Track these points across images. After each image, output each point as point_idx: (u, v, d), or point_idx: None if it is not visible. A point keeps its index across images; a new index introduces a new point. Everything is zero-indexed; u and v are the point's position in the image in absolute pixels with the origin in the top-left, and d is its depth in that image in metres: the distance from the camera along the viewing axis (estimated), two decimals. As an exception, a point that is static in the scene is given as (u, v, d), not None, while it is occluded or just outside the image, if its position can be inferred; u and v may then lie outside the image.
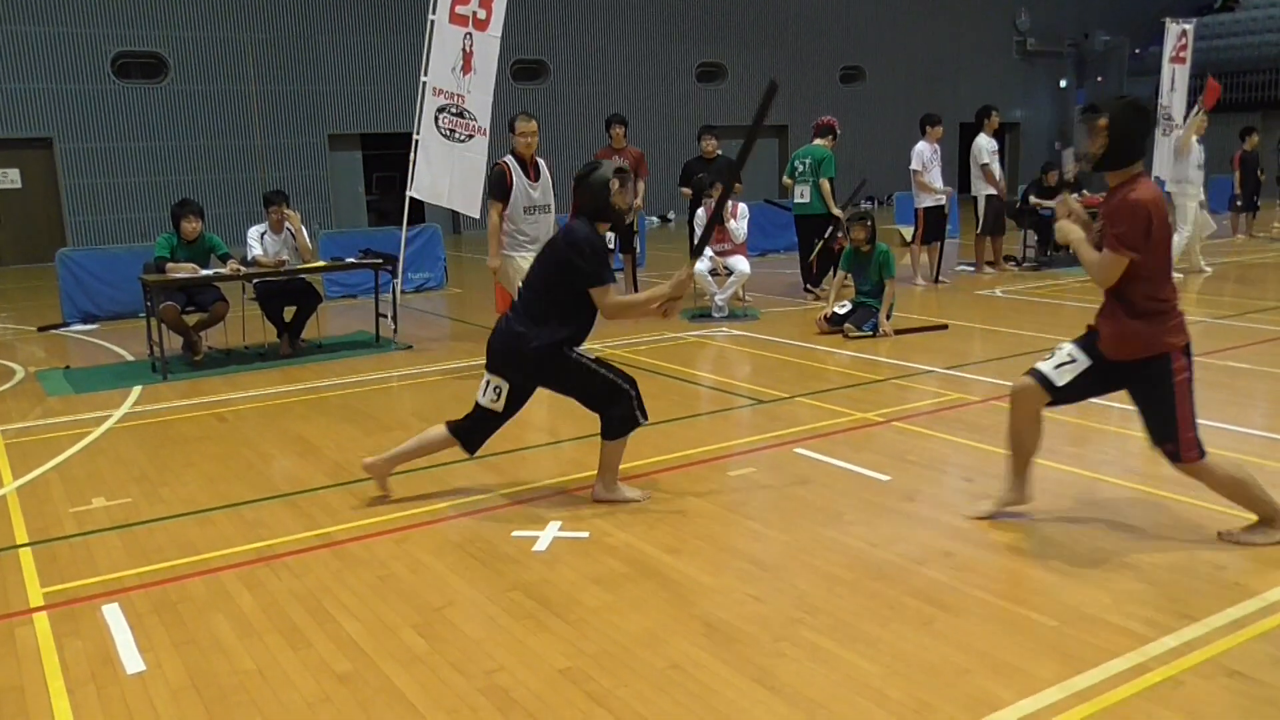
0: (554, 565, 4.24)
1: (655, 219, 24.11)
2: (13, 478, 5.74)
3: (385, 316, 9.76)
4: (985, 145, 12.80)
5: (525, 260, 7.67)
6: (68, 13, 19.13)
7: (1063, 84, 33.85)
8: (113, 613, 3.91)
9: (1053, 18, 32.64)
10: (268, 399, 7.53)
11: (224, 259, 8.85)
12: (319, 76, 21.70)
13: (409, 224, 10.57)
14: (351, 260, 10.10)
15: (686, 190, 11.61)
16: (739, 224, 10.43)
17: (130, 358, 9.37)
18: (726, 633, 3.56)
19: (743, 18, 26.86)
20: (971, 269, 13.51)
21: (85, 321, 11.55)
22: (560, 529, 4.63)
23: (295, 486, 5.42)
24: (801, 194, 11.49)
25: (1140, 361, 4.09)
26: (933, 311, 10.36)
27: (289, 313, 9.33)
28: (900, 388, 7.22)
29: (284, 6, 21.16)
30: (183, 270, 8.54)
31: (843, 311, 9.28)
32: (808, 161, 11.40)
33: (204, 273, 8.68)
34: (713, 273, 10.40)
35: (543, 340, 4.74)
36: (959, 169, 21.18)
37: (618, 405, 4.81)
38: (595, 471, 5.05)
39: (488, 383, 4.90)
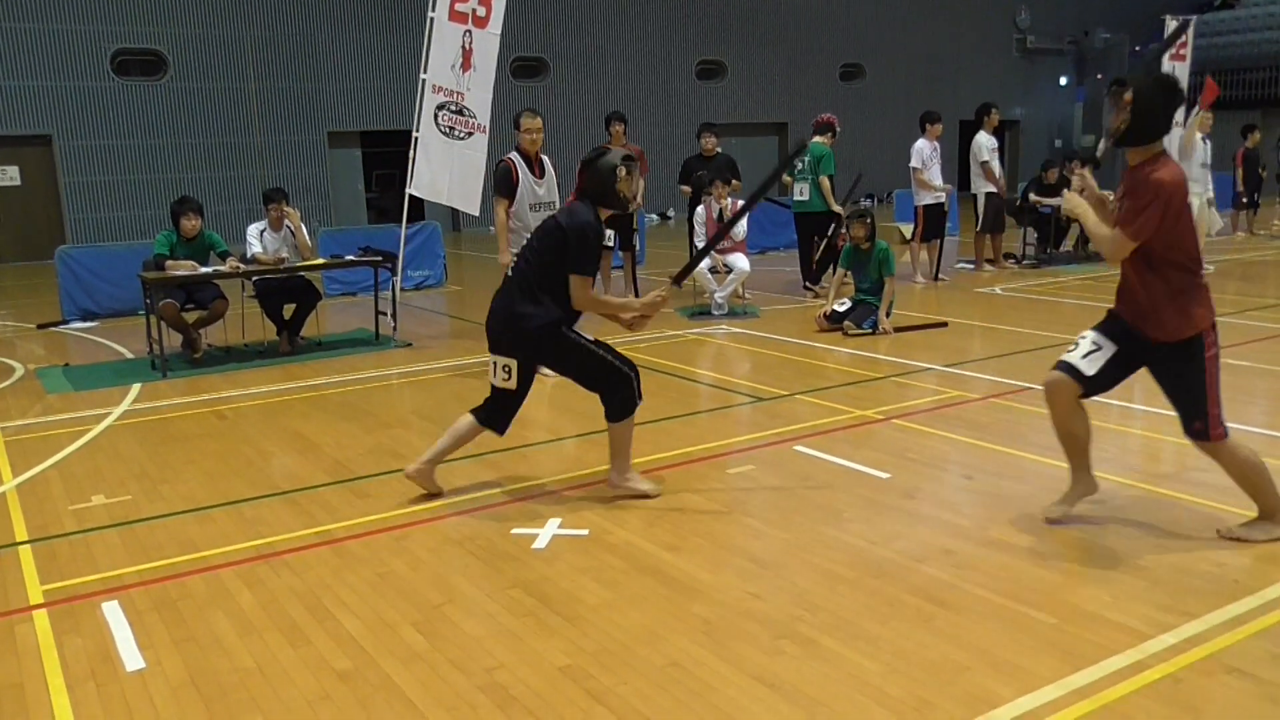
0: (553, 563, 4.24)
1: (655, 216, 24.11)
2: (12, 475, 5.74)
3: (385, 314, 9.77)
4: (985, 143, 12.80)
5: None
6: (67, 10, 19.12)
7: (1063, 81, 33.83)
8: (112, 610, 3.91)
9: (1053, 15, 32.63)
10: (267, 396, 7.53)
11: (223, 256, 8.85)
12: (318, 74, 21.69)
13: (408, 221, 10.58)
14: (351, 258, 10.10)
15: (686, 188, 11.62)
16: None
17: (130, 355, 9.37)
18: (726, 630, 3.56)
19: (743, 15, 26.85)
20: (971, 266, 13.51)
21: (85, 319, 11.55)
22: (560, 527, 4.63)
23: (295, 484, 5.42)
24: (801, 191, 11.48)
25: (1174, 342, 4.06)
26: (932, 309, 10.36)
27: (288, 310, 9.33)
28: (900, 385, 7.21)
29: (283, 4, 21.15)
30: (182, 268, 8.54)
31: (842, 309, 9.28)
32: (807, 159, 11.39)
33: (203, 270, 8.68)
34: (712, 270, 10.40)
35: (541, 320, 4.76)
36: (959, 166, 21.17)
37: (617, 388, 4.82)
38: (595, 470, 5.03)
39: (495, 364, 4.91)
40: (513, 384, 4.90)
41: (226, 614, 3.85)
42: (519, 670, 3.33)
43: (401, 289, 10.33)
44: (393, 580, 4.11)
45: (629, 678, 3.26)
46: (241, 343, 9.60)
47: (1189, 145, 12.95)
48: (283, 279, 9.16)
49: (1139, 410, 6.15)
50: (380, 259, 9.70)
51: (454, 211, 19.52)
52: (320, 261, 9.69)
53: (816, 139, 11.55)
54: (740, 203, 10.54)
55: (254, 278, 9.08)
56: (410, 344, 9.44)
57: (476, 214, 10.62)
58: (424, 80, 9.63)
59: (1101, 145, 4.35)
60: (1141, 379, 4.41)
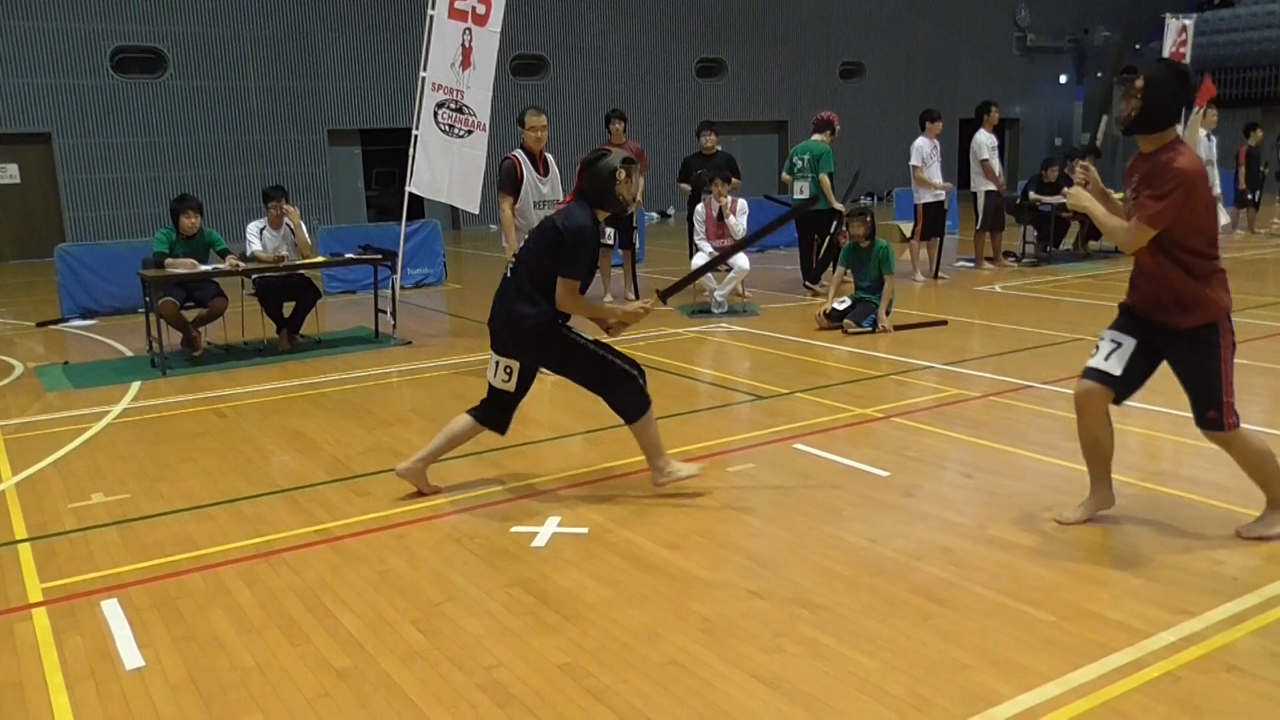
0: (553, 561, 4.24)
1: (655, 214, 24.12)
2: (12, 473, 5.74)
3: (384, 312, 9.77)
4: (985, 141, 12.80)
5: None
6: (67, 8, 19.11)
7: (1063, 80, 33.83)
8: (112, 608, 3.91)
9: (1053, 13, 32.63)
10: (267, 394, 7.53)
11: (223, 254, 8.85)
12: (318, 72, 21.68)
13: (408, 219, 10.57)
14: (351, 256, 10.10)
15: (686, 186, 11.62)
16: (738, 220, 10.42)
17: (129, 353, 9.37)
18: (725, 628, 3.56)
19: (743, 13, 26.84)
20: (971, 265, 13.51)
21: (84, 317, 11.55)
22: (560, 525, 4.63)
23: (294, 482, 5.42)
24: (801, 190, 11.48)
25: (1192, 328, 4.05)
26: (932, 307, 10.36)
27: (288, 308, 9.33)
28: (899, 383, 7.22)
29: (283, 2, 21.14)
30: (182, 266, 8.53)
31: (842, 307, 9.27)
32: (806, 158, 11.39)
33: (203, 268, 8.68)
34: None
35: (537, 320, 4.76)
36: (959, 165, 21.17)
37: (623, 389, 4.81)
38: (596, 468, 5.03)
39: (497, 363, 4.92)
40: (511, 385, 4.91)
41: (226, 612, 3.85)
42: (518, 668, 3.33)
43: (401, 287, 10.33)
44: (392, 578, 4.11)
45: (628, 676, 3.26)
46: (241, 341, 9.60)
47: (1192, 143, 12.97)
48: (282, 277, 9.16)
49: (1138, 409, 6.14)
50: (380, 257, 9.70)
51: (454, 209, 19.54)
52: (320, 259, 9.69)
53: (816, 137, 11.56)
54: (740, 201, 10.58)
55: (254, 276, 9.08)
56: (410, 342, 9.44)
57: (476, 212, 10.62)
58: (424, 78, 9.62)
59: (1100, 134, 4.33)
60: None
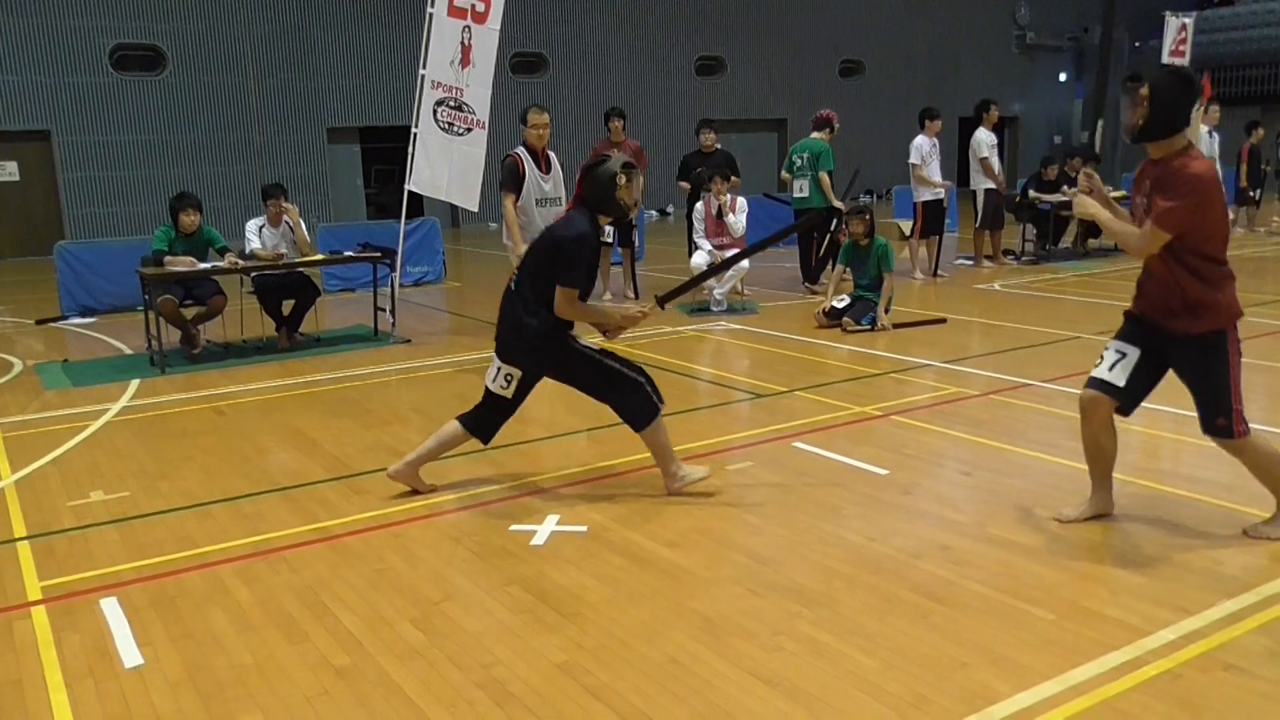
0: (552, 559, 4.24)
1: (654, 213, 24.11)
2: (10, 471, 5.74)
3: (384, 310, 9.76)
4: (984, 139, 12.79)
5: None
6: (66, 5, 19.10)
7: (1062, 78, 33.83)
8: (110, 606, 3.91)
9: (1052, 11, 32.62)
10: (266, 393, 7.53)
11: (222, 252, 8.84)
12: (317, 69, 21.67)
13: (408, 217, 10.56)
14: (350, 254, 10.09)
15: (685, 184, 11.61)
16: (738, 218, 10.41)
17: (128, 351, 9.36)
18: (724, 627, 3.56)
19: (742, 11, 26.84)
20: (970, 263, 13.51)
21: (83, 315, 11.55)
22: (558, 523, 4.63)
23: (293, 480, 5.42)
24: (800, 188, 11.47)
25: (1201, 334, 4.04)
26: (931, 305, 10.36)
27: (287, 306, 9.33)
28: (898, 382, 7.22)
29: (282, -1, 21.15)
30: (180, 264, 8.53)
31: (841, 305, 9.27)
32: (805, 156, 11.39)
33: (202, 266, 8.67)
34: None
35: (540, 329, 4.75)
36: (958, 163, 21.17)
37: (630, 396, 4.80)
38: (595, 466, 5.02)
39: (499, 369, 4.90)
40: (509, 393, 4.90)
41: (224, 610, 3.85)
42: (517, 667, 3.33)
43: (400, 285, 10.32)
44: (390, 577, 4.11)
45: (627, 674, 3.26)
46: (240, 339, 9.60)
47: (1194, 139, 12.95)
48: (281, 275, 9.16)
49: (1140, 407, 6.14)
50: (379, 255, 9.69)
51: (453, 207, 19.56)
52: (319, 257, 9.69)
53: (815, 135, 11.55)
54: (739, 200, 10.57)
55: (253, 274, 9.08)
56: (409, 340, 9.44)
57: (475, 210, 10.61)
58: (423, 76, 9.62)
59: (1098, 139, 4.33)
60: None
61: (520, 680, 3.25)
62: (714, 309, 10.32)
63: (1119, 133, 4.11)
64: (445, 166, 9.83)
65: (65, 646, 3.60)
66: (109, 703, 3.22)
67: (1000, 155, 13.25)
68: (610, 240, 11.11)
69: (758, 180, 22.57)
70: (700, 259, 10.32)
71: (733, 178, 10.78)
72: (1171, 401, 4.63)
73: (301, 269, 9.27)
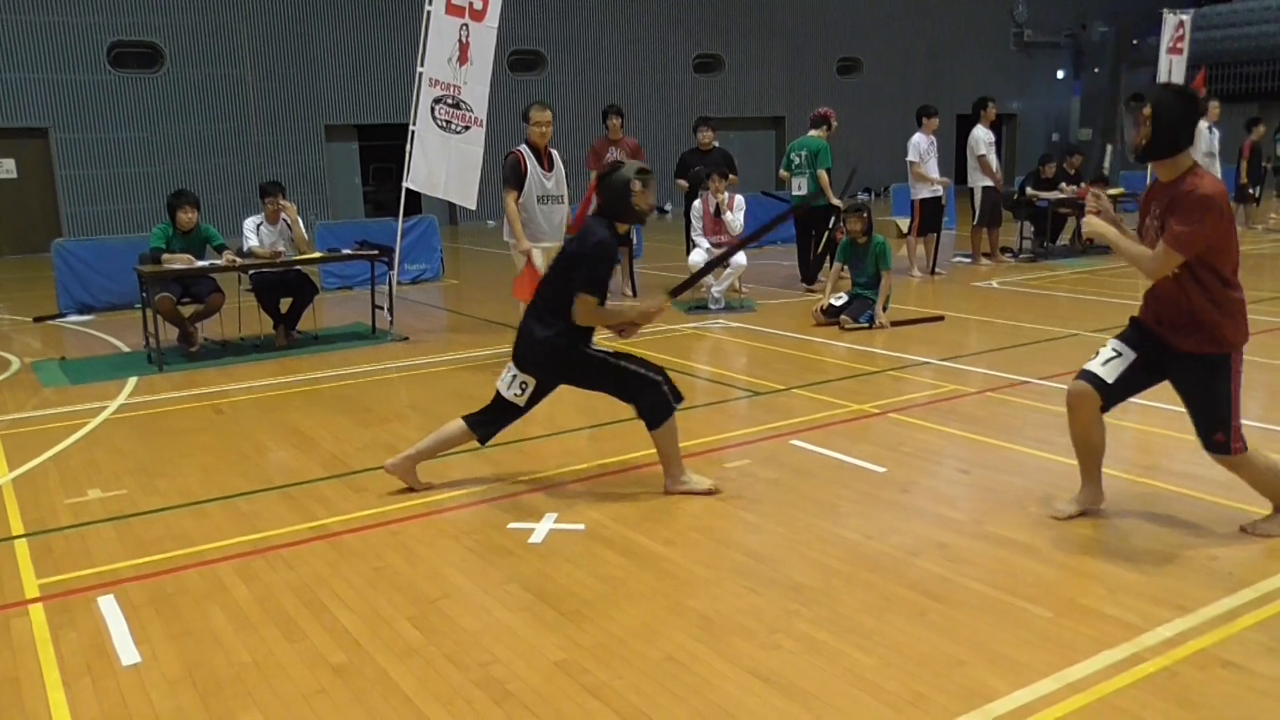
0: (550, 557, 4.24)
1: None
2: (8, 469, 5.73)
3: (381, 308, 9.76)
4: (982, 136, 12.78)
5: (538, 250, 7.69)
6: (63, 2, 19.04)
7: (1060, 75, 33.81)
8: (108, 604, 3.91)
9: (1050, 8, 32.58)
10: (263, 391, 7.53)
11: (220, 250, 8.84)
12: (315, 67, 21.63)
13: (405, 215, 10.55)
14: (348, 252, 10.09)
15: (682, 182, 11.60)
16: (735, 216, 10.41)
17: (126, 349, 9.35)
18: (722, 625, 3.57)
19: (740, 9, 26.80)
20: (968, 260, 13.51)
21: (81, 312, 11.53)
22: (556, 521, 4.63)
23: (291, 478, 5.42)
24: (799, 186, 11.47)
25: (1205, 355, 4.04)
26: (929, 303, 10.36)
27: (285, 304, 9.32)
28: (896, 379, 7.22)
29: (280, -4, 21.12)
30: (178, 261, 8.52)
31: (839, 303, 9.27)
32: (804, 154, 11.38)
33: (200, 264, 8.66)
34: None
35: (559, 340, 4.77)
36: (956, 160, 21.17)
37: (647, 395, 4.80)
38: (592, 464, 5.02)
39: (514, 377, 4.90)
40: (521, 401, 4.91)
41: (222, 608, 3.85)
42: (515, 665, 3.34)
43: (398, 283, 10.31)
44: (388, 575, 4.11)
45: (625, 673, 3.26)
46: (238, 337, 9.59)
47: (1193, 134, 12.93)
48: (279, 273, 9.15)
49: (1136, 404, 6.14)
50: (377, 253, 9.68)
51: (451, 205, 19.55)
52: (317, 255, 9.67)
53: (813, 133, 11.55)
54: (737, 197, 10.57)
55: (250, 271, 9.07)
56: (407, 338, 9.43)
57: (473, 208, 10.59)
58: (421, 73, 9.61)
59: (1106, 163, 4.32)
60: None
61: (518, 679, 3.25)
62: (712, 307, 10.32)
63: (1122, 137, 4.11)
64: (443, 164, 9.82)
65: (63, 644, 3.60)
66: (107, 701, 3.22)
67: (998, 153, 13.25)
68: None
69: (756, 178, 22.55)
70: (698, 257, 10.32)
71: (730, 176, 10.78)
72: (1168, 399, 4.62)
73: (299, 267, 9.26)
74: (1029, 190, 13.97)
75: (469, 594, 3.91)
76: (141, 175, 19.96)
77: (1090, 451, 4.43)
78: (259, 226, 9.12)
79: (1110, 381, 4.22)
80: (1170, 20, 17.08)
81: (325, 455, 5.81)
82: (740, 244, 5.79)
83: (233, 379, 7.93)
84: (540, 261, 7.69)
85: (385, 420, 6.56)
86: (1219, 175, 13.17)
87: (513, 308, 9.31)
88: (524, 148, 7.75)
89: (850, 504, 4.74)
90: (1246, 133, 17.11)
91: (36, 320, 11.26)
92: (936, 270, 12.48)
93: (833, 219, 11.22)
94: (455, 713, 3.07)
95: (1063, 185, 14.05)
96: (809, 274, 11.70)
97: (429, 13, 9.51)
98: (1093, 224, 4.26)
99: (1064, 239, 14.74)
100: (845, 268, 9.55)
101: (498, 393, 4.96)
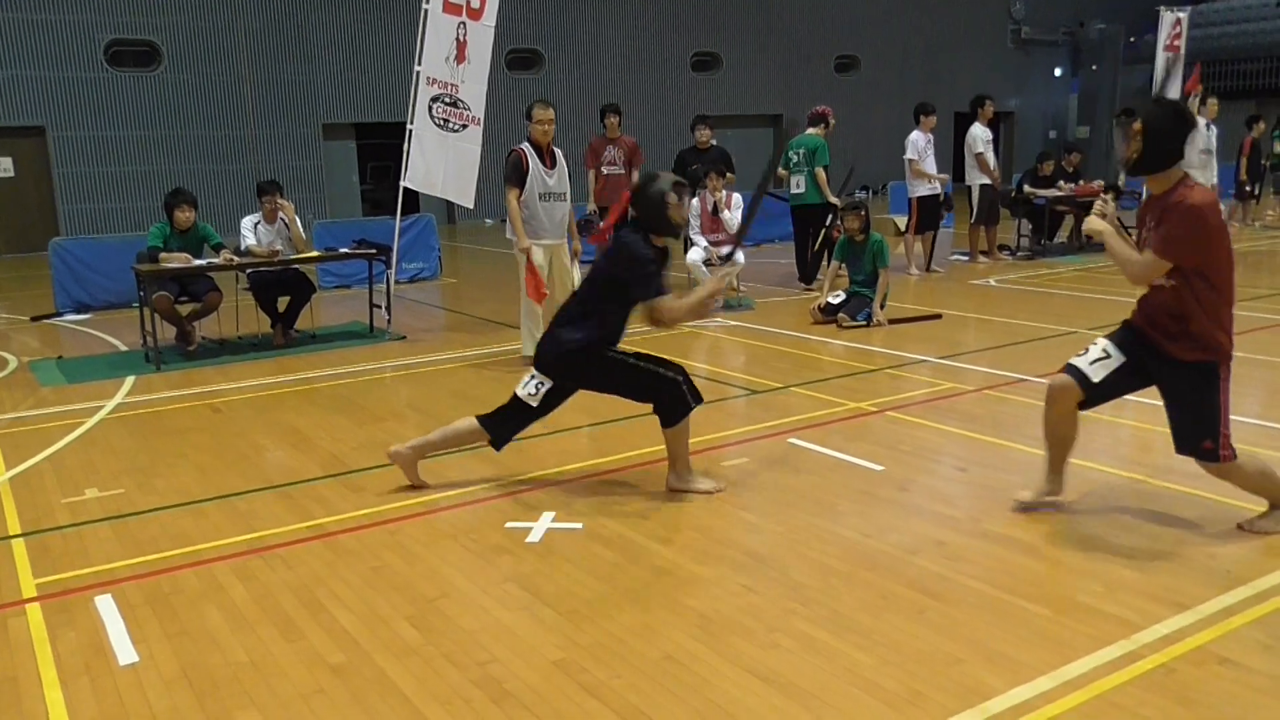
0: (547, 556, 4.24)
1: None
2: (5, 468, 5.73)
3: (379, 307, 9.75)
4: (980, 134, 12.79)
5: (537, 250, 7.69)
6: (60, 0, 19.02)
7: (1058, 73, 33.82)
8: (105, 604, 3.90)
9: (1047, 6, 32.59)
10: (261, 390, 7.52)
11: (217, 249, 8.83)
12: (313, 65, 21.61)
13: (403, 214, 10.55)
14: (345, 250, 10.08)
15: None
16: (733, 214, 10.41)
17: (123, 348, 9.34)
18: (720, 624, 3.57)
19: (737, 7, 26.79)
20: (966, 258, 13.51)
21: (78, 311, 11.52)
22: (554, 520, 4.62)
23: (288, 478, 5.41)
24: (797, 184, 11.47)
25: (1194, 363, 4.04)
26: (927, 301, 10.36)
27: (283, 303, 9.31)
28: (894, 377, 7.22)
29: (277, -5, 21.10)
30: (176, 260, 8.51)
31: (837, 301, 9.27)
32: (801, 152, 11.38)
33: (197, 263, 8.66)
34: (706, 263, 10.39)
35: (577, 342, 4.77)
36: (953, 158, 21.17)
37: (665, 394, 4.81)
38: (590, 463, 5.02)
39: (532, 377, 4.92)
40: (536, 401, 4.90)
41: (219, 608, 3.85)
42: (513, 664, 3.33)
43: (396, 282, 10.31)
44: (386, 574, 4.11)
45: (623, 672, 3.26)
46: (235, 336, 9.58)
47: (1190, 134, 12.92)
48: (277, 272, 9.14)
49: (1131, 401, 6.15)
50: (374, 252, 9.68)
51: (449, 204, 19.53)
52: (314, 254, 9.67)
53: (810, 131, 11.55)
54: (735, 196, 10.57)
55: (248, 270, 9.06)
56: (404, 337, 9.43)
57: (470, 206, 10.60)
58: (418, 72, 9.60)
59: (1121, 176, 4.33)
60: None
61: (517, 678, 3.25)
62: (710, 305, 10.29)
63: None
64: (441, 163, 9.82)
65: (60, 644, 3.60)
66: (104, 700, 3.22)
67: (995, 150, 13.26)
68: (606, 237, 11.09)
69: (753, 176, 22.52)
70: (696, 255, 10.32)
71: (728, 174, 10.78)
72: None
73: (297, 265, 9.25)
74: (1027, 188, 13.98)
75: (467, 593, 3.91)
76: (139, 174, 19.94)
77: (1059, 444, 4.46)
78: (256, 225, 9.11)
79: (1095, 381, 4.24)
80: (1167, 18, 17.10)
81: (323, 454, 5.81)
82: (746, 220, 5.74)
83: (230, 378, 7.92)
84: (541, 259, 7.71)
85: (383, 419, 6.56)
86: (1216, 172, 13.23)
87: (511, 307, 9.32)
88: (526, 146, 7.76)
89: (848, 502, 4.74)
90: (1247, 129, 17.09)
91: (34, 319, 11.25)
92: (933, 268, 12.48)
93: (829, 217, 11.22)
94: (453, 712, 3.07)
95: (1060, 183, 14.05)
96: (807, 273, 11.69)
97: (426, 11, 9.51)
98: (1092, 223, 4.27)
99: (1061, 237, 14.74)
100: (843, 266, 9.55)
101: (514, 394, 4.96)
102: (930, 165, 12.37)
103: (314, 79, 21.68)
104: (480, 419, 5.02)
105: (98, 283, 11.68)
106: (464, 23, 9.61)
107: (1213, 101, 16.02)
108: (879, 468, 5.20)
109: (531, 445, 5.85)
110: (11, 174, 19.34)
